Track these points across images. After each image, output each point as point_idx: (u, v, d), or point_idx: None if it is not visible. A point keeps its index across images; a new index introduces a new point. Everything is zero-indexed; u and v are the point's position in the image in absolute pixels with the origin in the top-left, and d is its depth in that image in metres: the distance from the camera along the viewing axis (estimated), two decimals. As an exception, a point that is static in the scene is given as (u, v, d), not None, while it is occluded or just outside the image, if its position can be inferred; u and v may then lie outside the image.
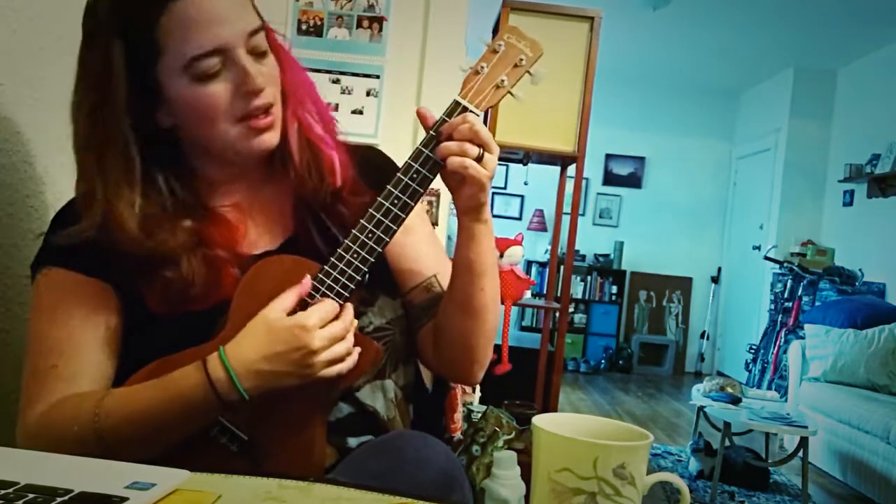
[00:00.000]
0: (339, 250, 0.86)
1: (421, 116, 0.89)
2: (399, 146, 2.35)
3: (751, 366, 5.37)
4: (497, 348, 1.04)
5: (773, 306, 5.50)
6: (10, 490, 0.54)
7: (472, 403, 2.02)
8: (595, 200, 7.05)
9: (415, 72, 2.42)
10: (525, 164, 3.01)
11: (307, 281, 0.84)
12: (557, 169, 3.02)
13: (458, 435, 1.47)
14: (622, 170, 7.05)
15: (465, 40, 2.45)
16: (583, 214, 6.95)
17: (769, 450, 3.80)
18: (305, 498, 0.62)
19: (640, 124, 6.97)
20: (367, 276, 0.86)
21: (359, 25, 2.42)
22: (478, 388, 2.45)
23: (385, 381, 0.96)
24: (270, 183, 0.98)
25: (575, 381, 6.10)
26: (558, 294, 2.98)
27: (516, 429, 1.33)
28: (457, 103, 0.88)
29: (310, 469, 0.84)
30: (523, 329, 6.65)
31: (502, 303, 2.28)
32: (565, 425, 0.62)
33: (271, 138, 0.90)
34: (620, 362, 6.75)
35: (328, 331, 0.81)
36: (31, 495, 0.53)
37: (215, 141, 0.88)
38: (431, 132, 0.87)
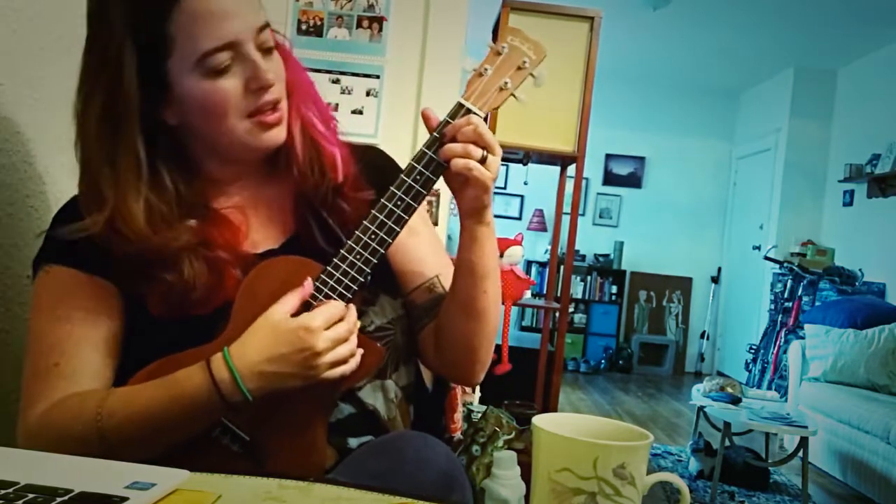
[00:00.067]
0: (341, 251, 0.86)
1: (425, 117, 0.89)
2: (399, 146, 2.35)
3: (751, 366, 5.37)
4: (497, 348, 1.04)
5: (773, 306, 5.50)
6: (10, 490, 0.54)
7: (472, 403, 2.02)
8: (595, 200, 7.05)
9: (415, 72, 2.42)
10: (525, 164, 3.02)
11: (309, 283, 0.84)
12: (557, 169, 3.02)
13: (458, 435, 1.47)
14: (622, 170, 7.05)
15: (464, 40, 2.45)
16: (583, 214, 6.95)
17: (769, 450, 3.80)
18: (305, 498, 0.62)
19: (640, 124, 6.97)
20: (369, 277, 0.86)
21: (359, 25, 2.42)
22: (478, 388, 2.45)
23: (386, 382, 0.96)
24: (272, 182, 0.98)
25: (575, 381, 6.10)
26: (558, 294, 2.98)
27: (516, 429, 1.33)
28: (460, 105, 0.88)
29: (311, 470, 0.84)
30: (523, 329, 6.65)
31: (502, 303, 2.28)
32: (565, 425, 0.62)
33: (279, 134, 0.90)
34: (620, 362, 6.75)
35: (332, 332, 0.81)
36: (31, 495, 0.53)
37: (224, 137, 0.88)
38: (435, 134, 0.87)
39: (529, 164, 3.03)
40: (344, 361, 0.82)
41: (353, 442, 0.92)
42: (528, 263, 6.68)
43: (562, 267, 2.79)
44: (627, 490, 0.57)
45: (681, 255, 7.02)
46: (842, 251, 5.42)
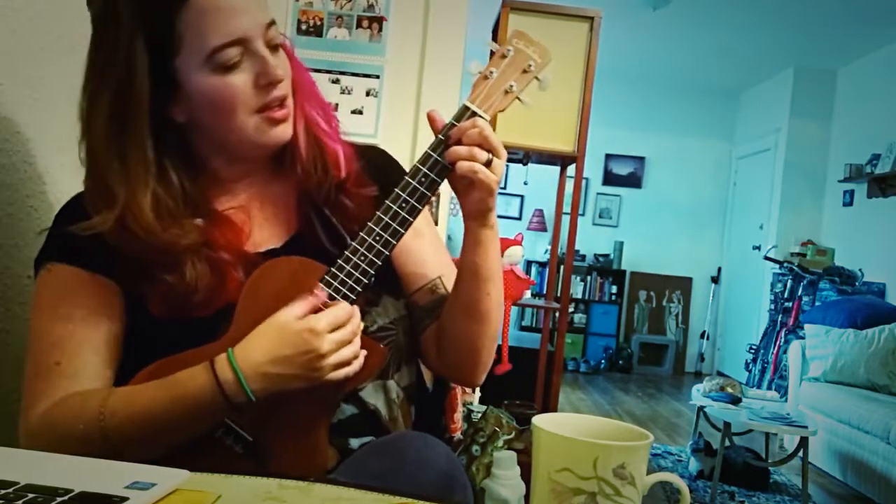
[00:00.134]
0: (346, 252, 0.85)
1: (430, 120, 0.89)
2: (399, 146, 2.35)
3: (751, 366, 5.37)
4: (497, 348, 1.04)
5: (773, 306, 5.50)
6: (10, 490, 0.54)
7: (472, 403, 2.02)
8: (595, 200, 7.05)
9: (414, 72, 2.42)
10: (525, 164, 3.01)
11: (321, 293, 0.83)
12: (557, 169, 3.02)
13: (458, 435, 1.47)
14: (622, 170, 7.05)
15: (464, 40, 2.45)
16: (583, 214, 6.95)
17: (769, 450, 3.80)
18: (305, 498, 0.62)
19: (640, 124, 6.97)
20: (373, 278, 0.86)
21: (359, 25, 2.42)
22: (478, 388, 2.45)
23: (388, 382, 0.96)
24: (276, 180, 0.98)
25: (575, 381, 6.10)
26: (558, 294, 2.98)
27: (516, 429, 1.33)
28: (466, 108, 0.88)
29: (313, 471, 0.84)
30: (523, 329, 6.65)
31: (502, 303, 2.28)
32: (565, 425, 0.62)
33: (286, 130, 0.90)
34: (620, 362, 6.75)
35: (337, 335, 0.81)
36: (31, 495, 0.53)
37: (232, 134, 0.88)
38: (440, 136, 0.87)
39: (529, 164, 3.03)
40: (348, 363, 0.82)
41: (355, 442, 0.92)
42: (528, 263, 6.68)
43: (562, 267, 2.79)
44: (627, 490, 0.57)
45: (681, 255, 7.02)
46: (842, 251, 5.42)
